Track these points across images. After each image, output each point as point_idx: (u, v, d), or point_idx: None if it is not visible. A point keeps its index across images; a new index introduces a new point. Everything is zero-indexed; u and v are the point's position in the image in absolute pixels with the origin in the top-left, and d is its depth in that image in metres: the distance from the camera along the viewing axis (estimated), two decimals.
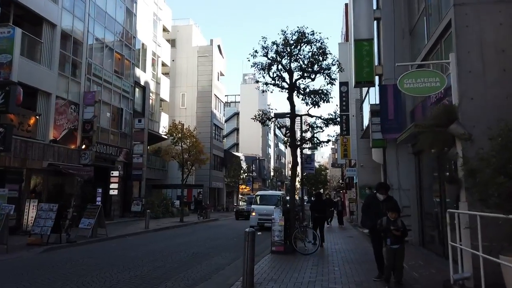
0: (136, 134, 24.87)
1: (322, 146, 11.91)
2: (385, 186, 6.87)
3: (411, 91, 5.84)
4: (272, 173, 72.77)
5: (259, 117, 11.61)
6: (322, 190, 48.07)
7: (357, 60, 11.89)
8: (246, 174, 42.99)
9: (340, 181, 48.80)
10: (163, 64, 35.78)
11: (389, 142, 11.29)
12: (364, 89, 16.81)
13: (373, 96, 13.36)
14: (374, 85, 11.95)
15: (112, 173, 21.28)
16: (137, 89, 29.01)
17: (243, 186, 47.87)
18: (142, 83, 29.35)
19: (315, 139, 11.32)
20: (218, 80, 42.84)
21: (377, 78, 11.96)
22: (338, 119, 11.47)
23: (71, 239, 12.28)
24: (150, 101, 32.00)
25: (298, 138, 11.66)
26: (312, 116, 11.26)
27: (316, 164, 41.33)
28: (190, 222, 23.04)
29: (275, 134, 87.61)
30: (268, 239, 10.73)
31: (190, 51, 40.44)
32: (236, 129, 75.44)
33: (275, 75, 11.18)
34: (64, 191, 17.96)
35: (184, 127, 23.78)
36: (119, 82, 23.57)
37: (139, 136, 24.84)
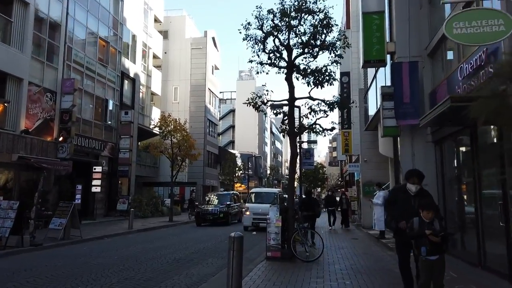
0: (123, 127, 23.21)
1: (325, 135, 10.32)
2: (418, 174, 5.07)
3: (463, 38, 4.26)
4: (268, 171, 71.20)
5: (252, 102, 10.01)
6: (319, 189, 46.61)
7: (366, 37, 10.32)
8: (241, 171, 41.34)
9: (339, 179, 47.32)
10: (155, 56, 34.19)
11: (403, 130, 9.73)
12: (370, 76, 15.25)
13: (382, 78, 11.79)
14: (385, 65, 10.38)
15: (95, 169, 19.62)
16: (126, 81, 27.44)
17: (239, 184, 46.27)
18: (131, 75, 27.76)
19: (318, 126, 9.72)
20: (212, 74, 41.18)
21: (388, 57, 10.38)
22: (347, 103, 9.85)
23: (36, 241, 10.65)
24: (141, 94, 30.41)
25: (298, 126, 10.04)
26: (314, 99, 9.67)
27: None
28: (180, 221, 21.44)
29: (271, 132, 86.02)
30: (264, 241, 9.18)
31: (183, 43, 38.74)
32: (232, 127, 73.98)
33: (271, 51, 9.60)
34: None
35: (174, 120, 22.08)
36: (104, 71, 21.90)
37: (126, 129, 23.18)
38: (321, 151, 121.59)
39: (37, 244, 10.62)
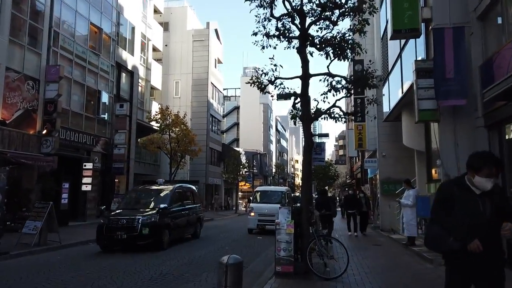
0: (118, 121, 21.49)
1: (345, 121, 8.54)
2: (497, 162, 3.03)
3: None
4: (274, 170, 69.43)
5: (257, 80, 8.21)
6: (327, 187, 44.69)
7: (395, 1, 8.48)
8: (245, 169, 39.55)
9: (347, 178, 45.37)
10: (155, 49, 32.55)
11: (444, 113, 7.89)
12: (391, 59, 13.38)
13: (410, 55, 9.92)
14: (419, 35, 8.53)
15: (85, 165, 17.93)
16: (123, 74, 25.90)
17: (243, 183, 44.53)
18: (129, 67, 26.16)
19: (338, 109, 7.90)
20: (215, 67, 39.42)
21: (422, 25, 8.53)
22: (375, 79, 7.97)
23: (1, 249, 8.97)
24: (139, 88, 28.76)
25: (313, 109, 8.21)
26: (333, 76, 7.85)
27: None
28: None
29: (277, 130, 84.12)
30: (271, 246, 7.42)
31: (185, 35, 37.01)
32: (237, 124, 72.26)
33: (280, 18, 7.83)
34: (21, 185, 14.64)
35: (173, 113, 20.33)
36: (96, 59, 20.19)
37: (121, 123, 21.45)
38: (327, 150, 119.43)
39: (2, 252, 8.94)
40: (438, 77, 7.44)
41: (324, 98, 7.84)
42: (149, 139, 20.35)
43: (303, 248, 6.97)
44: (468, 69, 7.36)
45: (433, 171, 10.10)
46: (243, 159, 43.37)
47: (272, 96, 8.87)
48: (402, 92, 11.07)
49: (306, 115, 7.75)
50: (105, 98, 20.98)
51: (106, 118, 21.10)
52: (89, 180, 17.88)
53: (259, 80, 8.19)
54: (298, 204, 8.83)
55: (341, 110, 8.13)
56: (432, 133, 9.11)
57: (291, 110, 8.62)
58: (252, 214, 15.16)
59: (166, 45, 36.35)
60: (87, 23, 19.46)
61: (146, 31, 29.67)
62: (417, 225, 9.56)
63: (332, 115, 8.34)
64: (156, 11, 33.86)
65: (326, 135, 16.65)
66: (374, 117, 15.94)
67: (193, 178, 34.63)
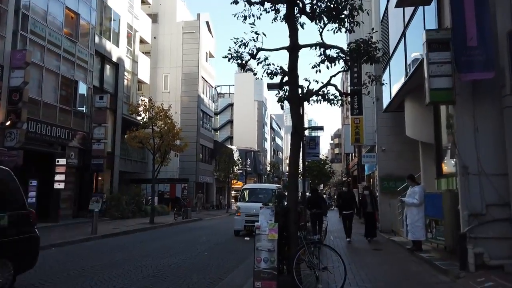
0: (97, 114, 20.00)
1: (342, 103, 7.14)
2: None
3: None
4: (268, 168, 68.08)
5: (236, 54, 6.78)
6: (322, 185, 43.39)
7: None
8: (237, 167, 38.12)
9: (343, 176, 44.04)
10: (142, 41, 31.14)
11: (460, 93, 6.50)
12: (392, 42, 12.00)
13: (417, 26, 8.53)
14: (429, 1, 7.13)
15: (58, 161, 16.43)
16: (108, 66, 24.55)
17: (236, 181, 43.09)
18: (114, 59, 24.79)
19: (332, 89, 6.51)
20: (206, 61, 37.93)
21: None
22: (379, 52, 6.56)
23: None
24: (125, 81, 27.39)
25: (304, 90, 6.80)
26: (328, 47, 6.45)
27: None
28: (163, 223, 18.29)
29: (271, 128, 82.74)
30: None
31: (174, 27, 35.49)
32: (230, 122, 70.88)
33: None
34: None
35: (156, 105, 18.85)
36: (72, 47, 18.68)
37: (100, 116, 19.97)
38: (322, 149, 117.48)
39: None
40: (458, 46, 6.06)
41: (316, 71, 6.41)
42: (130, 134, 18.85)
43: (289, 258, 5.58)
44: (494, 37, 5.99)
45: (443, 164, 8.74)
46: (236, 155, 41.93)
47: (255, 74, 7.48)
48: (406, 76, 9.71)
49: (294, 94, 6.35)
50: (83, 89, 19.47)
51: (84, 111, 19.59)
52: (62, 177, 16.39)
53: (238, 54, 6.76)
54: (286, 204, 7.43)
55: (337, 89, 6.74)
56: (443, 118, 7.76)
57: (278, 91, 7.23)
58: (239, 214, 13.74)
59: (154, 38, 34.88)
60: (62, 7, 17.94)
61: (133, 22, 28.22)
62: (425, 227, 8.19)
63: (326, 97, 6.97)
64: (144, 1, 32.39)
65: (321, 128, 15.19)
66: (377, 98, 14.45)
67: (183, 176, 33.19)
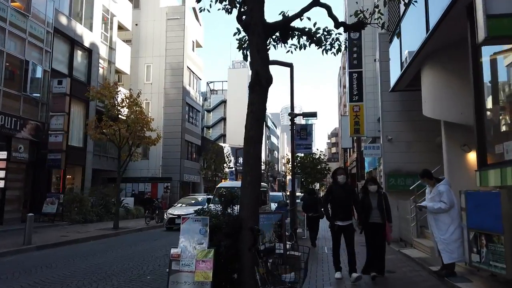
0: (55, 101, 17.20)
1: (339, 49, 4.44)
2: None
3: None
4: (263, 167, 65.35)
5: None
6: (317, 184, 40.45)
7: None
8: (226, 164, 35.37)
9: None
10: (122, 27, 28.43)
11: None
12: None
13: None
14: None
15: None
16: (79, 52, 22.04)
17: (226, 180, 40.27)
18: (86, 44, 22.23)
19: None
20: (193, 51, 35.14)
21: None
22: None
23: None
24: (100, 70, 24.68)
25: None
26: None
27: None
28: (130, 229, 15.58)
29: (266, 126, 79.91)
30: None
31: (158, 13, 32.68)
32: (224, 119, 68.19)
33: None
34: None
35: (120, 90, 16.08)
36: (23, 22, 15.87)
37: (59, 104, 17.16)
38: (317, 141, 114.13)
39: None
40: None
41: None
42: (90, 123, 16.08)
43: None
44: None
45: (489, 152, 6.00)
46: (227, 153, 39.12)
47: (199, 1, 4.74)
48: (428, 31, 7.01)
49: (255, 17, 3.62)
50: (38, 72, 16.66)
51: (39, 97, 16.77)
52: (2, 173, 13.54)
53: None
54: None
55: (330, 14, 3.99)
56: (492, 80, 5.03)
57: (237, 31, 4.48)
58: None
59: (136, 25, 32.12)
60: None
61: (110, 5, 25.53)
62: (462, 242, 5.50)
63: (314, 36, 4.22)
64: None
65: (314, 114, 12.49)
66: (390, 58, 11.57)
67: (166, 175, 30.41)
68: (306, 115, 13.19)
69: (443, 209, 5.81)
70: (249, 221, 3.17)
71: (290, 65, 12.80)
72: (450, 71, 7.52)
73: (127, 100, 16.02)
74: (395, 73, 10.52)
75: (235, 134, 61.90)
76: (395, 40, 10.39)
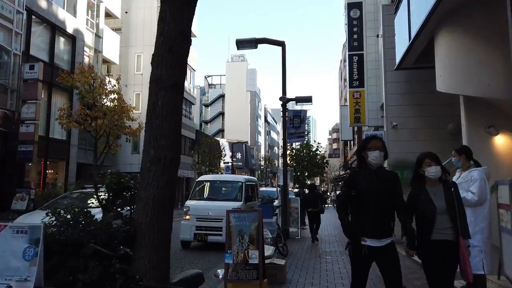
0: (26, 87, 15.71)
1: None
2: None
3: None
4: (262, 163, 63.93)
5: None
6: (318, 178, 38.94)
7: None
8: (221, 158, 33.91)
9: (341, 170, 39.81)
10: (110, 15, 27.03)
11: None
12: None
13: None
14: None
15: None
16: (61, 39, 20.77)
17: None
18: (69, 30, 20.95)
19: None
20: None
21: None
22: None
23: None
24: (86, 59, 23.22)
25: None
26: None
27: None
28: None
29: (266, 121, 78.29)
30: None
31: (148, 0, 31.23)
32: (222, 114, 66.69)
33: None
34: None
35: (96, 73, 14.57)
36: None
37: (30, 91, 15.68)
38: (318, 135, 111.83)
39: None
40: None
41: None
42: (62, 111, 14.60)
43: None
44: None
45: None
46: (226, 149, 37.65)
47: None
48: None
49: None
50: (8, 56, 15.17)
51: (6, 84, 15.28)
52: None
53: None
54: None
55: None
56: None
57: None
58: (187, 217, 9.48)
59: (126, 12, 30.66)
60: None
61: None
62: (486, 250, 4.03)
63: None
64: None
65: (309, 99, 10.97)
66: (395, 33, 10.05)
67: None
68: (300, 99, 11.66)
69: (468, 201, 4.29)
70: (150, 230, 1.74)
71: (282, 44, 11.33)
72: (473, 34, 5.99)
73: (104, 86, 14.51)
74: (401, 49, 8.99)
75: (233, 129, 60.56)
76: (402, 9, 8.84)
